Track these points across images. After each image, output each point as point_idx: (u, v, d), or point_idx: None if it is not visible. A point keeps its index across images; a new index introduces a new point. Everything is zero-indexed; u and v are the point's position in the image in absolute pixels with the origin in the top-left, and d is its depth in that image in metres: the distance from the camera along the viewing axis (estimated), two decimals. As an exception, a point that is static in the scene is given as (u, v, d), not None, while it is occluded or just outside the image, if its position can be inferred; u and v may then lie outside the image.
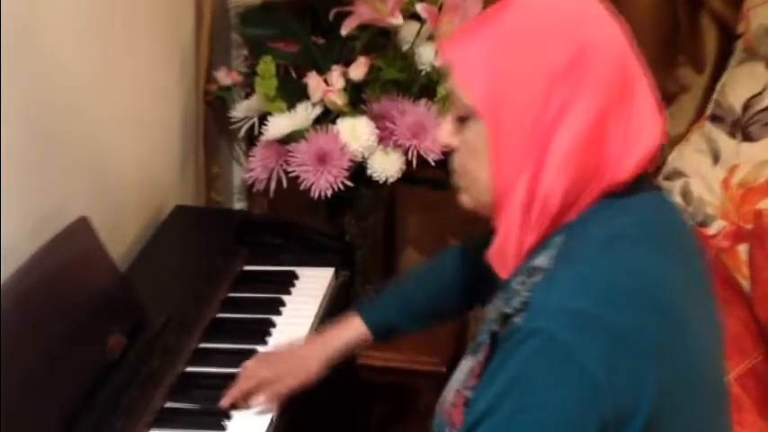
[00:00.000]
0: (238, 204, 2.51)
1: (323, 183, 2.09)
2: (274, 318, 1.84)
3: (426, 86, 2.21)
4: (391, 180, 2.16)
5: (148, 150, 2.08)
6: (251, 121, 2.22)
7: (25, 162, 1.58)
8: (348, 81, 2.14)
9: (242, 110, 2.23)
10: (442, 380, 2.19)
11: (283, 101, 2.13)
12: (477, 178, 1.26)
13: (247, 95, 2.25)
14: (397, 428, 2.53)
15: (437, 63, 2.18)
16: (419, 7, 2.16)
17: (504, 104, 1.21)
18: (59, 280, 1.55)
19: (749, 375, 1.99)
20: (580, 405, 1.13)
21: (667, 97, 2.31)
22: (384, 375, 2.28)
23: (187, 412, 1.59)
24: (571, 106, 1.19)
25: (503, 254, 1.25)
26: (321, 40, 2.28)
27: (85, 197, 1.77)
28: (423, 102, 2.16)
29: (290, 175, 2.12)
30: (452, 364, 2.18)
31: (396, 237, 2.69)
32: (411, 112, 2.15)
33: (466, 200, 1.31)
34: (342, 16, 2.16)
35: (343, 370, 1.65)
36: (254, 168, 2.18)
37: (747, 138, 2.27)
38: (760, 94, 2.27)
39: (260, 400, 1.58)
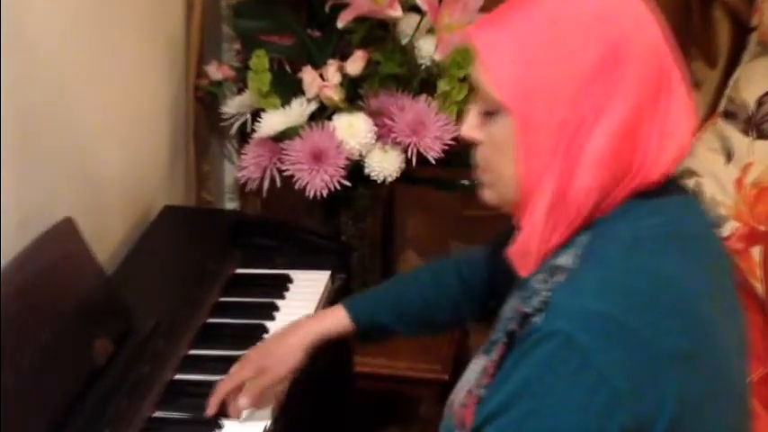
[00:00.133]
0: (230, 204, 2.51)
1: (318, 182, 2.09)
2: (268, 323, 1.83)
3: (426, 81, 2.21)
4: (390, 179, 2.16)
5: (136, 148, 2.08)
6: (243, 118, 2.22)
7: (7, 160, 1.57)
8: (345, 76, 2.14)
9: (234, 106, 2.23)
10: (443, 387, 2.22)
11: (277, 96, 2.12)
12: (502, 175, 1.27)
13: (239, 91, 2.25)
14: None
15: (437, 57, 2.18)
16: (419, -1, 2.16)
17: (534, 102, 1.21)
18: (43, 284, 1.55)
19: (763, 383, 1.99)
20: (597, 412, 1.13)
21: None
22: (383, 383, 2.29)
23: (176, 421, 1.58)
24: (607, 105, 1.20)
25: (525, 251, 1.26)
26: (317, 33, 2.28)
27: (70, 197, 1.76)
28: (423, 97, 2.16)
29: (284, 173, 2.12)
30: (453, 372, 2.22)
31: (394, 238, 2.69)
32: (410, 109, 2.15)
33: (489, 196, 1.31)
34: (338, 8, 2.16)
35: (342, 377, 1.64)
36: (246, 167, 2.17)
37: (761, 135, 2.27)
38: (775, 89, 2.27)
39: (243, 403, 1.57)
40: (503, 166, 1.26)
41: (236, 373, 1.59)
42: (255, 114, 2.17)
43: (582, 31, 1.21)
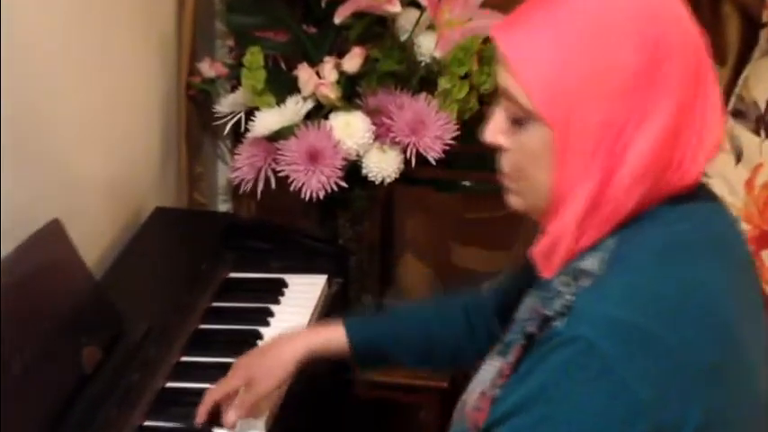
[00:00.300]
0: (223, 206, 2.51)
1: (314, 183, 2.09)
2: (262, 329, 1.83)
3: (426, 79, 2.21)
4: (388, 180, 2.16)
5: (126, 148, 2.08)
6: (237, 117, 2.22)
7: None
8: (342, 73, 2.14)
9: (227, 104, 2.23)
10: (442, 395, 2.23)
11: (272, 95, 2.13)
12: (536, 183, 1.24)
13: (233, 89, 2.25)
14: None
15: (438, 54, 2.18)
16: (418, -7, 2.17)
17: (573, 110, 1.18)
18: (29, 288, 1.55)
19: None
20: (618, 419, 1.13)
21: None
22: (382, 390, 2.29)
23: (167, 431, 1.59)
24: (649, 110, 1.18)
25: (550, 253, 1.24)
26: (313, 29, 2.28)
27: (58, 199, 1.76)
28: (422, 96, 2.16)
29: (279, 174, 2.12)
30: (452, 380, 2.22)
31: (393, 241, 2.69)
32: (410, 107, 2.15)
33: (516, 202, 1.29)
34: (335, 3, 2.16)
35: (340, 384, 1.64)
36: (240, 167, 2.17)
37: (772, 135, 2.27)
38: (786, 88, 2.27)
39: (231, 418, 1.56)
40: (536, 175, 1.24)
41: (226, 381, 1.59)
42: (249, 113, 2.17)
43: (621, 31, 1.19)
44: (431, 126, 2.13)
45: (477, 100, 2.18)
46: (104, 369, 1.60)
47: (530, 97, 1.20)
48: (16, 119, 1.65)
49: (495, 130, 1.27)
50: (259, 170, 2.15)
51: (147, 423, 1.59)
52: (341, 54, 2.17)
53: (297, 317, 1.88)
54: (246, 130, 2.17)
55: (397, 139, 2.14)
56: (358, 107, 2.15)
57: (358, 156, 2.13)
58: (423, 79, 2.21)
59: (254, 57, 2.09)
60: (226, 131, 2.30)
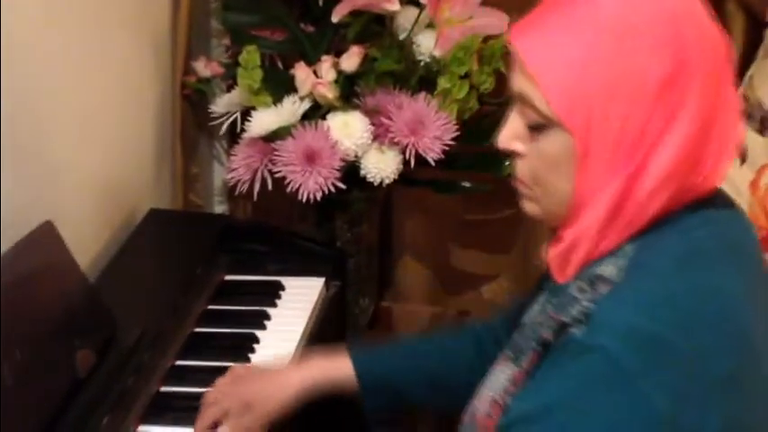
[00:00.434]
0: (219, 208, 2.51)
1: (312, 184, 2.09)
2: (258, 332, 1.84)
3: (425, 78, 2.21)
4: (387, 181, 2.16)
5: (120, 148, 2.08)
6: (233, 117, 2.22)
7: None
8: (339, 72, 2.14)
9: (223, 104, 2.23)
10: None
11: (268, 94, 2.13)
12: (554, 189, 1.24)
13: (229, 88, 2.25)
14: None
15: (437, 53, 2.19)
16: (417, -9, 2.17)
17: (594, 116, 1.18)
18: (21, 291, 1.54)
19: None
20: (636, 430, 1.14)
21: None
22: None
23: (162, 436, 1.59)
24: (672, 113, 1.18)
25: (567, 258, 1.24)
26: (310, 28, 2.28)
27: (50, 200, 1.76)
28: (422, 95, 2.16)
29: (276, 175, 2.12)
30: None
31: (392, 244, 2.69)
32: (409, 107, 2.15)
33: (532, 209, 1.29)
34: (333, 1, 2.16)
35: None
36: (236, 168, 2.17)
37: (778, 136, 2.28)
38: (791, 88, 2.28)
39: None
40: (555, 181, 1.23)
41: (220, 402, 1.57)
42: (246, 113, 2.17)
43: (641, 33, 1.18)
44: (430, 126, 2.13)
45: (477, 100, 2.18)
46: (98, 373, 1.60)
47: (549, 103, 1.20)
48: (9, 120, 1.65)
49: (510, 136, 1.26)
50: (255, 171, 2.15)
51: (141, 428, 1.60)
52: (339, 53, 2.17)
53: (294, 320, 1.88)
54: (243, 130, 2.17)
55: (395, 140, 2.14)
56: (356, 107, 2.15)
57: (356, 156, 2.13)
58: (422, 79, 2.21)
59: (251, 56, 2.09)
60: (222, 132, 2.29)
